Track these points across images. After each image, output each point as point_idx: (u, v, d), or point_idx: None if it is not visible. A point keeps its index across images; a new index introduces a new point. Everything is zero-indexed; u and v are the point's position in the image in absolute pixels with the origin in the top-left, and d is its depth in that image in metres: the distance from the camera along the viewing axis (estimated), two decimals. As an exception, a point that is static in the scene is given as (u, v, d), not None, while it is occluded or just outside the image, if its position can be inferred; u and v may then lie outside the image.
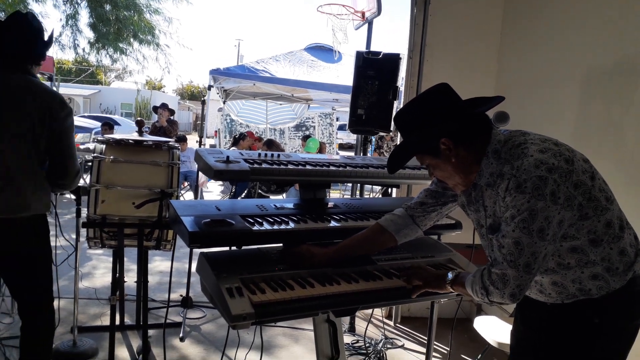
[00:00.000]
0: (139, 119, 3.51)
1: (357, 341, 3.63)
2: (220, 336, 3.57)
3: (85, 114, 21.35)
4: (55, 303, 2.51)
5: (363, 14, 4.47)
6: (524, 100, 3.52)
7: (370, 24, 4.29)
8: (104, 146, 2.86)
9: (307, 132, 12.49)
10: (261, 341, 2.76)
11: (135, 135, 3.11)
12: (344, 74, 7.65)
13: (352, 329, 3.84)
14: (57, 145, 2.23)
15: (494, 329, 2.91)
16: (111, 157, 2.79)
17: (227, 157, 1.93)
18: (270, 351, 3.42)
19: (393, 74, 3.50)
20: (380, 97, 3.48)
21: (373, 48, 3.94)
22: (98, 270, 4.75)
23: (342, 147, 17.08)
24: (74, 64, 32.03)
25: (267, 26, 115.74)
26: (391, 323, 4.06)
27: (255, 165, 1.96)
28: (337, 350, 2.06)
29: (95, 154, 2.80)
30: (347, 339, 3.63)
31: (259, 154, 2.12)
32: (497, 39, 3.96)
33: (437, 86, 1.56)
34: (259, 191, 5.42)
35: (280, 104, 11.47)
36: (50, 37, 2.38)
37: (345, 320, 3.80)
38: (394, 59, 3.51)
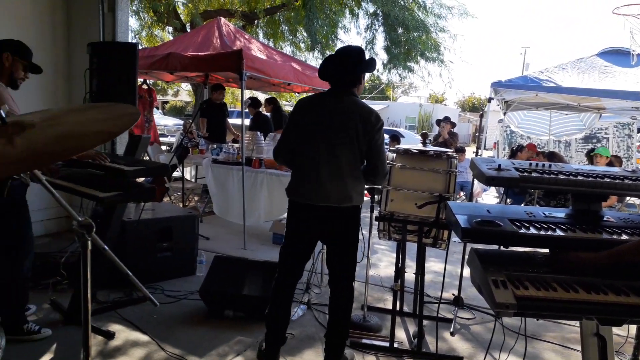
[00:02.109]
0: (423, 132, 3.99)
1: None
2: (488, 338, 3.74)
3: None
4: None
5: (669, 12, 3.99)
6: None
7: (678, 23, 3.81)
8: (394, 155, 3.42)
9: (599, 144, 11.19)
10: (524, 350, 2.86)
11: (419, 146, 3.59)
12: (645, 79, 6.72)
13: None
14: (372, 151, 2.81)
15: None
16: (400, 164, 3.33)
17: (499, 165, 2.18)
18: (536, 362, 3.44)
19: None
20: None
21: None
22: (382, 262, 5.48)
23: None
24: (368, 82, 35.84)
25: (555, 31, 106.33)
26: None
27: (525, 174, 2.14)
28: (605, 366, 2.04)
29: (387, 161, 3.39)
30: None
31: (530, 164, 2.28)
32: None
33: None
34: (537, 204, 5.32)
35: (566, 114, 10.62)
36: (372, 63, 2.95)
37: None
38: None
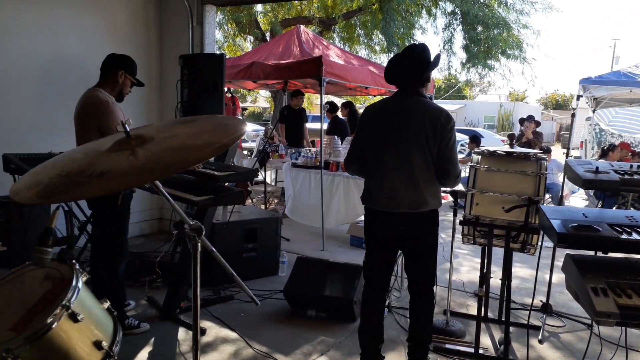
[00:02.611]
0: (510, 133, 3.87)
1: None
2: (579, 348, 3.56)
3: (452, 128, 23.06)
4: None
5: None
6: None
7: None
8: (479, 157, 3.35)
9: None
10: None
11: (506, 147, 3.49)
12: None
13: None
14: (442, 152, 2.70)
15: None
16: (485, 166, 3.26)
17: (597, 167, 2.08)
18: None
19: None
20: None
21: None
22: (463, 267, 5.35)
23: None
24: (443, 82, 35.06)
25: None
26: None
27: (626, 177, 2.03)
28: None
29: (472, 164, 3.32)
30: None
31: (631, 166, 2.16)
32: None
33: None
34: (631, 208, 4.96)
35: (666, 110, 9.81)
36: (436, 60, 2.86)
37: None
38: None
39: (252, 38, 12.74)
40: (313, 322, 3.74)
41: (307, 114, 8.97)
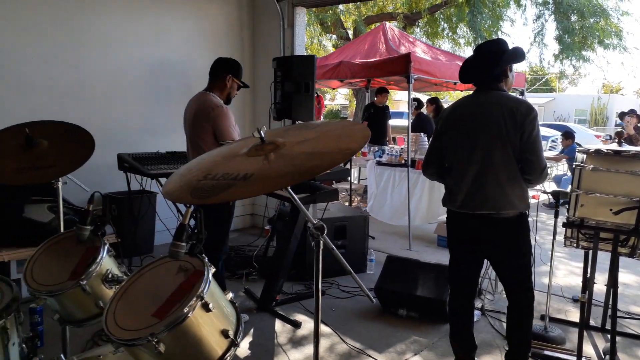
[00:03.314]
0: (618, 130, 3.65)
1: None
2: (698, 363, 3.30)
3: (539, 123, 21.95)
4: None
5: None
6: None
7: None
8: (584, 156, 3.19)
9: None
10: None
11: (613, 146, 3.29)
12: None
13: None
14: (525, 144, 2.53)
15: None
16: (591, 165, 3.10)
17: None
18: None
19: None
20: None
21: None
22: (559, 270, 5.11)
23: None
24: (529, 74, 33.28)
25: None
26: None
27: None
28: None
29: (576, 163, 3.17)
30: None
31: None
32: None
33: None
34: None
35: None
36: (512, 54, 2.69)
37: None
38: None
39: (334, 37, 12.87)
40: (404, 321, 3.76)
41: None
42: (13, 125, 2.18)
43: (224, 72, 3.46)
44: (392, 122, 8.79)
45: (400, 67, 5.62)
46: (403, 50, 6.62)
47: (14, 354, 1.85)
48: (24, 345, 1.92)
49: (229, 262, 4.64)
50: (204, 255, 1.70)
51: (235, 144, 1.58)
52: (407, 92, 5.85)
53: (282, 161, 1.29)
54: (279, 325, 3.67)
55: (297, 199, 1.50)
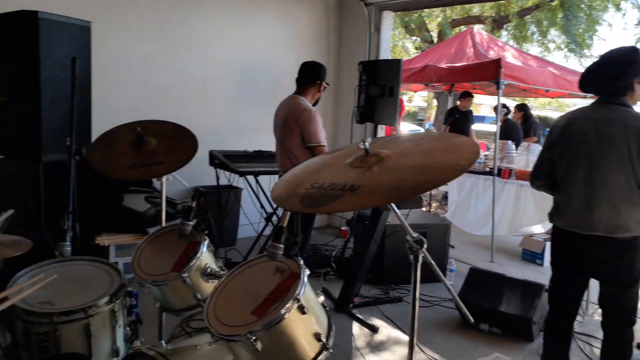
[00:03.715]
0: None
1: None
2: None
3: None
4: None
5: None
6: None
7: None
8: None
9: None
10: None
11: None
12: None
13: None
14: None
15: None
16: None
17: None
18: None
19: None
20: None
21: None
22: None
23: None
24: None
25: None
26: None
27: None
28: None
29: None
30: None
31: None
32: None
33: None
34: None
35: None
36: None
37: None
38: None
39: (417, 40, 12.67)
40: (486, 336, 3.63)
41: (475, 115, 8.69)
42: (126, 123, 2.35)
43: (316, 77, 3.54)
44: (473, 126, 8.53)
45: (490, 72, 5.43)
46: (492, 54, 6.40)
47: (119, 335, 2.00)
48: (127, 328, 2.06)
49: (307, 261, 4.71)
50: (299, 257, 1.73)
51: (340, 153, 1.59)
52: (490, 96, 5.66)
53: (387, 174, 1.27)
54: (356, 328, 3.68)
55: (397, 210, 1.49)
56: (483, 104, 21.58)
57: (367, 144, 1.34)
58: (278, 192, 1.45)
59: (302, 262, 1.74)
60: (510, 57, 6.59)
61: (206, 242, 2.07)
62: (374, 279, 4.47)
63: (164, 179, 2.34)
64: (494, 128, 7.53)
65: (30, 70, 2.68)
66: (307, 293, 1.67)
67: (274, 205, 4.66)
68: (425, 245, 1.54)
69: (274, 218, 4.62)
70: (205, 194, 4.75)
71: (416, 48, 12.95)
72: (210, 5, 5.04)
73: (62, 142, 2.85)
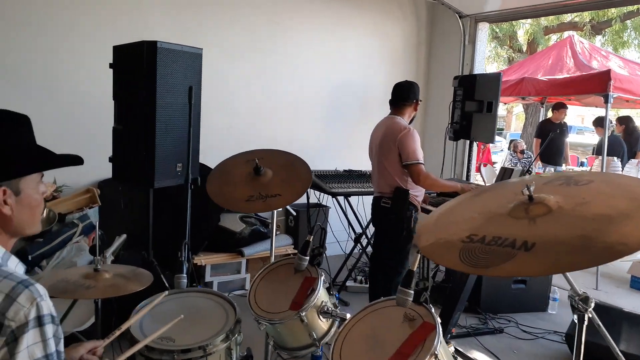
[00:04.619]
0: None
1: None
2: None
3: None
4: None
5: None
6: None
7: None
8: None
9: None
10: None
11: None
12: None
13: None
14: None
15: None
16: None
17: None
18: None
19: None
20: None
21: None
22: None
23: None
24: None
25: None
26: None
27: None
28: None
29: None
30: None
31: None
32: None
33: None
34: None
35: None
36: None
37: None
38: None
39: (508, 50, 12.13)
40: (602, 378, 3.31)
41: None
42: (240, 153, 2.35)
43: (412, 97, 3.47)
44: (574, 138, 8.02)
45: (598, 85, 5.02)
46: (595, 65, 5.95)
47: (233, 372, 1.97)
48: (240, 364, 2.04)
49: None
50: (430, 305, 1.62)
51: (479, 191, 1.45)
52: (581, 107, 5.23)
53: (559, 227, 1.09)
54: (457, 362, 3.48)
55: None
56: (571, 114, 20.30)
57: (531, 188, 1.18)
58: (426, 242, 1.32)
59: (432, 309, 1.63)
60: (616, 67, 6.09)
61: (322, 278, 2.01)
62: (469, 307, 4.24)
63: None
64: (580, 139, 6.98)
65: (148, 98, 2.76)
66: (443, 345, 1.56)
67: (364, 225, 4.57)
68: (592, 304, 1.38)
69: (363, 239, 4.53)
70: (287, 211, 4.73)
71: (508, 59, 12.36)
72: (302, 21, 5.06)
73: (172, 168, 2.92)
